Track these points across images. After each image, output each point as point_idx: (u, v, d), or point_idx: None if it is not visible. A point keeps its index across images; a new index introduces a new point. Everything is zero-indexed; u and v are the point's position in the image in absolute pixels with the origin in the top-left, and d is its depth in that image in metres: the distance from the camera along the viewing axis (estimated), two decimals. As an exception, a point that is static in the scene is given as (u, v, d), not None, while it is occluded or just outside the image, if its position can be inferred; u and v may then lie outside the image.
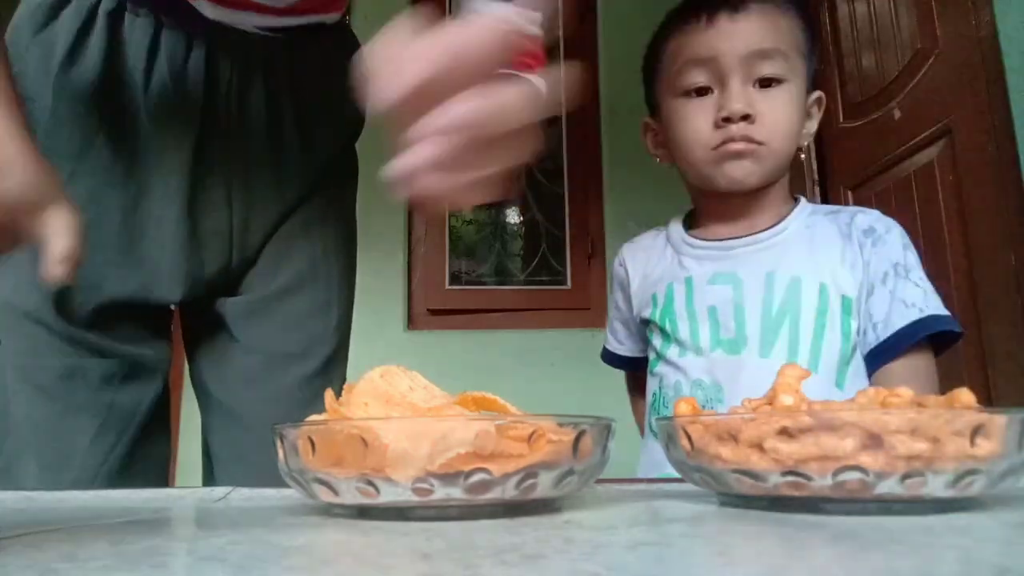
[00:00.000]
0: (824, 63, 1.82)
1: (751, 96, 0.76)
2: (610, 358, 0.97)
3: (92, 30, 0.64)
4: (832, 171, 1.78)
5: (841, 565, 0.22)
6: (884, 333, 0.72)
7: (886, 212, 0.80)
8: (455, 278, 2.48)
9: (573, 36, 2.68)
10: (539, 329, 2.38)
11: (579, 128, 2.62)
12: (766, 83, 0.77)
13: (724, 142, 0.76)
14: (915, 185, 1.46)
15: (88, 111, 0.64)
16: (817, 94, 0.82)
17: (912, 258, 0.76)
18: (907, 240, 0.77)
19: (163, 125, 0.66)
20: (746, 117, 0.75)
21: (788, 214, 0.81)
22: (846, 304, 0.75)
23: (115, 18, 0.64)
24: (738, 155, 0.76)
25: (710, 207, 0.85)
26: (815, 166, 1.82)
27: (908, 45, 1.48)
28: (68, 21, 0.64)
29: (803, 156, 0.83)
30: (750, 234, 0.80)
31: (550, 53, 0.46)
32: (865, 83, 1.66)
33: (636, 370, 0.94)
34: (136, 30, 0.64)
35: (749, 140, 0.76)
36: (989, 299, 1.24)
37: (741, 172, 0.77)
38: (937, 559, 0.22)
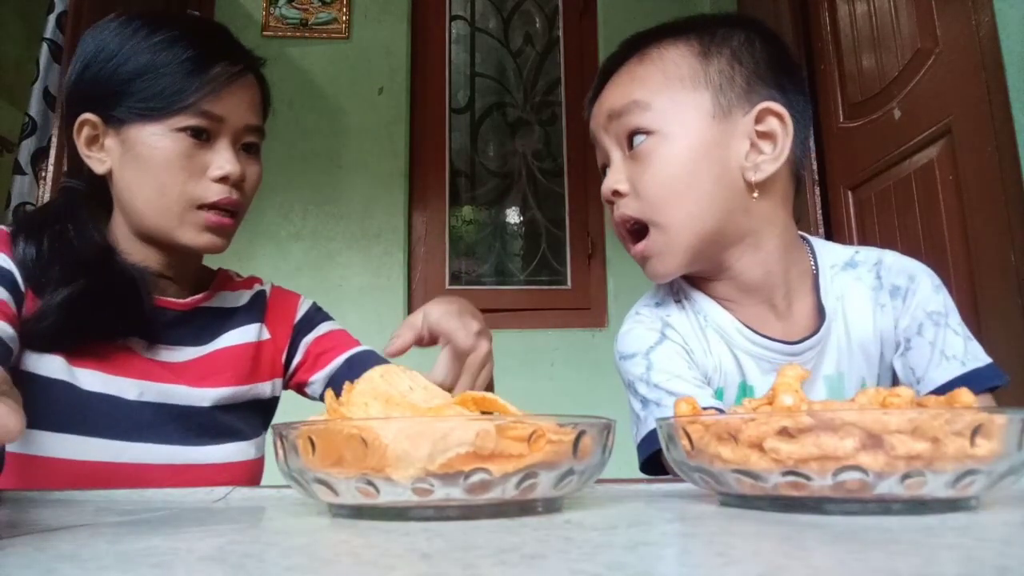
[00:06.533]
0: (824, 63, 1.82)
1: (627, 169, 0.68)
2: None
3: None
4: (832, 171, 1.77)
5: (841, 565, 0.22)
6: (924, 390, 0.67)
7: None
8: (455, 278, 2.48)
9: (573, 36, 2.68)
10: (539, 329, 2.38)
11: (579, 128, 2.62)
12: (637, 142, 0.67)
13: (621, 223, 0.69)
14: (915, 185, 1.45)
15: None
16: (760, 107, 0.65)
17: (946, 301, 0.70)
18: (937, 282, 0.71)
19: None
20: (616, 193, 0.68)
21: (814, 284, 0.71)
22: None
23: None
24: (641, 257, 0.68)
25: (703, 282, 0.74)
26: (815, 166, 1.82)
27: (908, 45, 1.47)
28: None
29: (755, 195, 0.66)
30: (802, 340, 0.69)
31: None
32: (865, 83, 1.66)
33: None
34: None
35: (631, 220, 0.68)
36: (989, 299, 1.24)
37: (650, 271, 0.69)
38: (937, 559, 0.22)
